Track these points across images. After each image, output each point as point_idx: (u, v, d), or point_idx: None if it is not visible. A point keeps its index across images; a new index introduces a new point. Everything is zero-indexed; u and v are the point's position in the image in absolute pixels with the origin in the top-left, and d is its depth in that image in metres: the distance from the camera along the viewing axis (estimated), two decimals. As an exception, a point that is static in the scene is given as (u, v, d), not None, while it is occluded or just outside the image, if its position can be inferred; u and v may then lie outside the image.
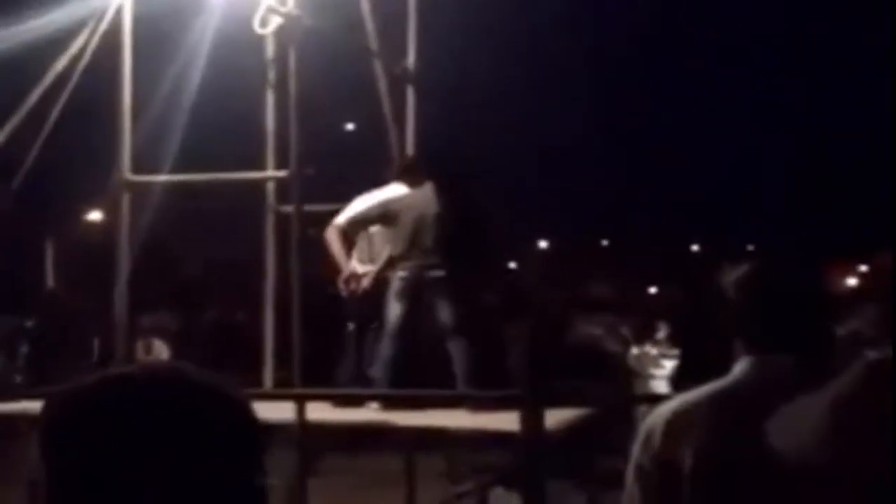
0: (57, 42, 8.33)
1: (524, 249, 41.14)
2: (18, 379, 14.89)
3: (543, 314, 17.73)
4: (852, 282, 42.14)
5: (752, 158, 44.07)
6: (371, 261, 8.60)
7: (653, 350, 14.94)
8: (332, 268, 8.62)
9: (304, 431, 7.28)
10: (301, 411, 7.22)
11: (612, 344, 15.89)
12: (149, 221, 8.86)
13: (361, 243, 8.71)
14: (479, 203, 8.70)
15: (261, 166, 9.23)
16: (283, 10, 8.13)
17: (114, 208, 8.94)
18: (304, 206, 8.20)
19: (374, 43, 9.55)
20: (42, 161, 8.67)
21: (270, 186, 9.31)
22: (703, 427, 2.50)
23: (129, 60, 8.58)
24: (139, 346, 12.40)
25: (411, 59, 9.81)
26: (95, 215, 25.87)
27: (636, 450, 2.61)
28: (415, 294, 8.25)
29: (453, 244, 8.25)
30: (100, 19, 8.37)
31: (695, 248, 50.71)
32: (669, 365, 14.86)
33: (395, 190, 8.66)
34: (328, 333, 8.90)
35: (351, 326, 8.67)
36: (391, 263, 8.40)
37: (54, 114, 8.40)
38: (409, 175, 8.69)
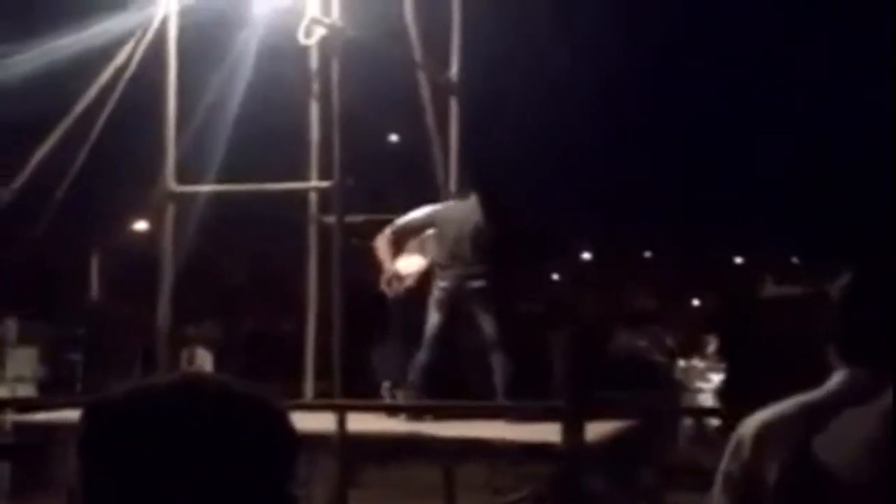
0: (103, 53, 8.39)
1: (567, 260, 41.05)
2: (79, 387, 14.98)
3: (586, 325, 17.68)
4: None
5: (797, 169, 43.77)
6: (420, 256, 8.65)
7: (700, 363, 14.88)
8: (379, 271, 8.66)
9: (345, 442, 7.28)
10: (342, 422, 7.22)
11: (657, 356, 15.82)
12: (193, 231, 8.90)
13: (421, 243, 8.74)
14: (519, 215, 8.72)
15: (304, 177, 9.25)
16: (326, 21, 8.16)
17: (158, 218, 8.99)
18: (346, 217, 8.22)
19: (417, 53, 9.56)
20: (88, 171, 8.74)
21: (313, 197, 9.32)
22: (790, 440, 2.48)
23: (174, 71, 8.63)
24: (183, 356, 12.46)
25: (455, 69, 9.81)
26: (141, 225, 26.03)
27: (725, 458, 2.59)
28: (454, 304, 8.25)
29: (494, 255, 8.26)
30: (145, 30, 8.43)
31: (738, 260, 50.43)
32: (716, 378, 14.79)
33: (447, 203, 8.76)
34: (370, 340, 8.91)
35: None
36: (432, 270, 8.43)
37: (100, 124, 8.46)
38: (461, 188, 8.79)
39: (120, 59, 8.37)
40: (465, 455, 8.98)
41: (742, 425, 2.58)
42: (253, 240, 22.49)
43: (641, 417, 8.85)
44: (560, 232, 35.80)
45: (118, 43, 8.37)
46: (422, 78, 9.67)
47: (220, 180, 8.96)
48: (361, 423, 7.58)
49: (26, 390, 12.58)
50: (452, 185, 9.55)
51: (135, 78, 8.43)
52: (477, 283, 8.23)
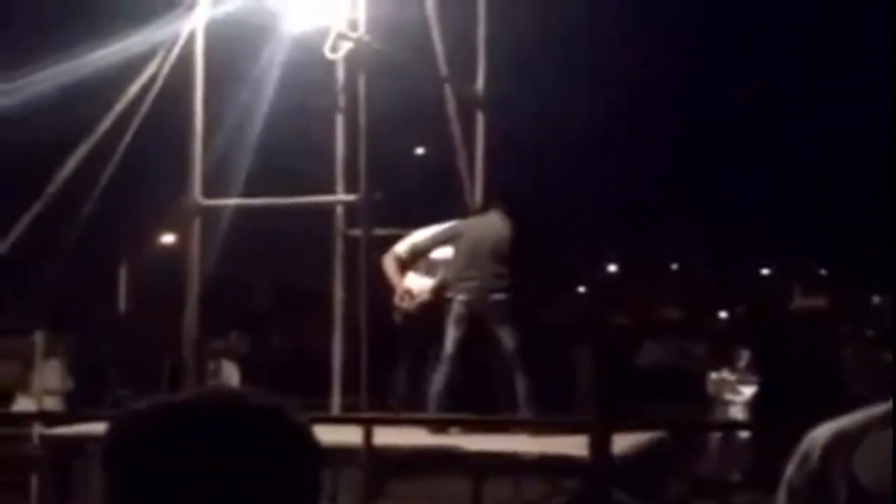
0: (131, 67, 8.44)
1: (593, 273, 40.99)
2: (108, 400, 15.04)
3: (613, 338, 17.66)
4: (928, 307, 41.49)
5: (825, 180, 43.60)
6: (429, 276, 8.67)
7: (731, 376, 14.81)
8: (391, 292, 8.69)
9: (371, 456, 7.28)
10: (368, 436, 7.22)
11: (686, 368, 15.79)
12: (219, 244, 8.93)
13: (426, 266, 8.76)
14: (542, 228, 8.73)
15: (330, 190, 9.27)
16: (353, 35, 8.18)
17: (185, 232, 9.03)
18: (372, 230, 8.24)
19: (443, 67, 9.57)
20: (116, 184, 8.78)
21: (339, 210, 9.34)
22: (860, 455, 2.46)
23: (201, 86, 8.67)
24: (209, 369, 12.48)
25: (481, 83, 9.83)
26: (168, 238, 26.14)
27: (791, 468, 2.57)
28: (473, 318, 8.26)
29: (514, 268, 8.27)
30: (172, 45, 8.48)
31: (765, 271, 50.24)
32: (748, 391, 14.71)
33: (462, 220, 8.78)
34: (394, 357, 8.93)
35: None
36: (445, 285, 8.44)
37: (127, 138, 8.51)
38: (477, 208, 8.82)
39: (147, 73, 8.42)
40: (492, 469, 8.96)
41: (810, 435, 2.56)
42: (279, 253, 22.54)
43: (669, 430, 8.82)
44: (586, 244, 35.76)
45: (146, 57, 8.42)
46: (448, 91, 9.69)
47: (246, 194, 8.99)
48: (388, 436, 7.59)
49: (54, 403, 12.63)
50: (478, 198, 9.56)
51: (162, 92, 8.47)
52: (497, 296, 8.24)
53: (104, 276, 24.17)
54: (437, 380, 8.32)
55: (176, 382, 8.65)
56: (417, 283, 8.70)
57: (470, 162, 9.68)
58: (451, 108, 9.63)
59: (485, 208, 8.78)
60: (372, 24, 8.28)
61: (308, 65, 8.71)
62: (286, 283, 22.34)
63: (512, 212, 8.42)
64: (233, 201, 8.92)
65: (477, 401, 8.29)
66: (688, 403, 14.35)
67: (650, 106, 37.29)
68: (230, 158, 8.78)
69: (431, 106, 10.10)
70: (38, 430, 9.39)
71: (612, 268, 46.76)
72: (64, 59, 8.39)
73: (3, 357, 14.28)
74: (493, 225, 8.44)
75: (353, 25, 8.20)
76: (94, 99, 8.76)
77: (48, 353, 12.26)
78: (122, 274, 25.84)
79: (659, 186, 41.07)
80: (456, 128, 9.68)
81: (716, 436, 14.48)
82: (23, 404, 12.77)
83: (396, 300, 8.58)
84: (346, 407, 9.03)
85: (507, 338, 8.21)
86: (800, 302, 41.99)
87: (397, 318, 8.64)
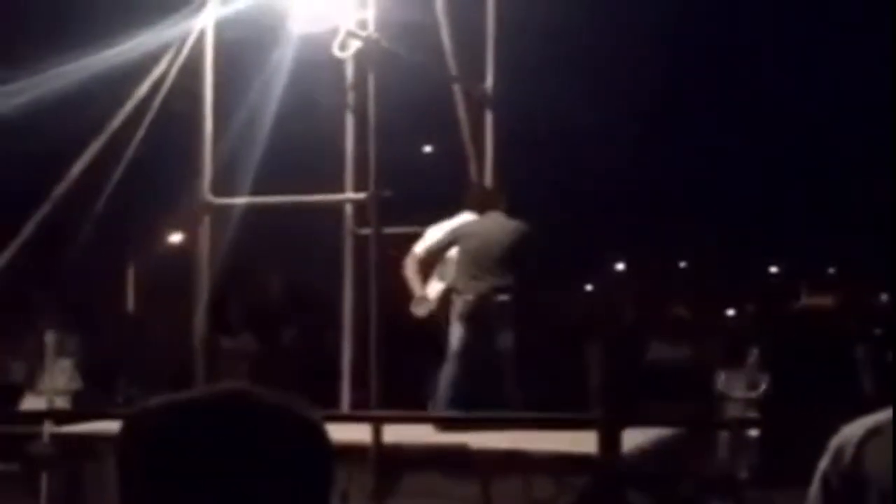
0: (141, 66, 8.45)
1: (601, 271, 40.98)
2: (118, 399, 15.06)
3: (622, 336, 17.65)
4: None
5: (832, 179, 43.54)
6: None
7: (740, 374, 14.81)
8: (406, 294, 8.71)
9: (381, 453, 7.30)
10: (377, 433, 7.23)
11: (694, 366, 15.78)
12: (229, 243, 8.94)
13: (440, 268, 8.79)
14: (547, 228, 8.77)
15: (340, 189, 9.28)
16: (362, 33, 8.19)
17: (194, 230, 9.04)
18: (382, 229, 8.25)
19: (452, 66, 9.58)
20: (124, 183, 8.79)
21: (349, 209, 9.35)
22: (891, 453, 2.46)
23: (211, 84, 8.69)
24: (219, 368, 12.48)
25: (490, 82, 9.83)
26: (177, 237, 26.16)
27: (825, 462, 2.57)
28: (478, 317, 8.28)
29: (519, 269, 8.28)
30: (182, 44, 8.49)
31: (773, 269, 50.20)
32: (757, 389, 14.71)
33: (464, 218, 8.76)
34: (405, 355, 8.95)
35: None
36: (453, 288, 8.47)
37: (137, 137, 8.52)
38: (478, 203, 8.81)
39: (157, 71, 8.43)
40: (502, 466, 8.96)
41: (845, 430, 2.56)
42: (289, 252, 22.54)
43: (680, 428, 8.83)
44: (594, 242, 35.75)
45: (156, 56, 8.43)
46: (457, 90, 9.70)
47: (256, 192, 9.01)
48: (398, 434, 7.60)
49: (64, 402, 12.66)
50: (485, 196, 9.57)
51: (172, 91, 8.48)
52: (501, 297, 8.26)
53: (113, 274, 24.21)
54: (444, 378, 8.35)
55: (185, 381, 8.64)
56: (434, 289, 8.73)
57: (479, 161, 9.69)
58: (461, 107, 9.64)
59: (490, 208, 8.79)
60: (381, 22, 8.28)
61: (317, 63, 8.72)
62: (296, 281, 22.34)
63: (517, 212, 8.46)
64: (242, 199, 8.93)
65: (485, 398, 8.30)
66: (696, 401, 14.36)
67: (659, 103, 37.26)
68: (240, 157, 8.79)
69: (440, 104, 10.12)
70: (48, 428, 9.42)
71: (620, 266, 46.74)
72: (73, 58, 8.40)
73: (14, 356, 14.33)
74: (500, 225, 8.47)
75: (363, 25, 8.21)
76: (104, 98, 8.77)
77: (58, 353, 12.28)
78: (131, 273, 25.89)
79: (667, 184, 41.05)
80: (465, 126, 9.69)
81: (724, 434, 14.49)
82: (32, 403, 12.80)
83: (412, 306, 8.61)
84: (356, 404, 9.04)
85: (505, 339, 8.24)
86: (807, 300, 41.95)
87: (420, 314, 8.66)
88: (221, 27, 8.65)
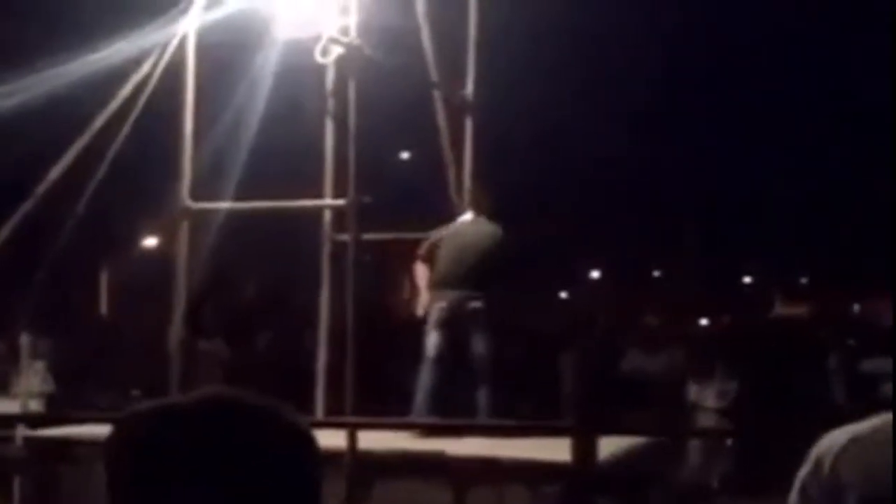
0: (122, 71, 8.44)
1: (576, 279, 41.05)
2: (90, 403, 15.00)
3: (596, 344, 17.67)
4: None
5: (806, 189, 43.73)
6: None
7: (712, 383, 14.84)
8: (409, 294, 8.76)
9: (356, 459, 7.30)
10: (352, 440, 7.24)
11: (666, 375, 15.82)
12: (207, 247, 8.94)
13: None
14: (523, 235, 8.79)
15: (320, 195, 9.29)
16: (344, 40, 8.20)
17: (173, 235, 9.03)
18: (360, 235, 8.25)
19: (433, 72, 9.59)
20: (100, 187, 8.77)
21: (328, 215, 9.35)
22: (872, 464, 2.48)
23: (193, 89, 8.69)
24: (196, 372, 12.45)
25: (470, 88, 9.85)
26: (151, 241, 26.07)
27: (804, 470, 2.59)
28: (451, 325, 8.30)
29: (495, 277, 8.30)
30: (164, 49, 8.48)
31: (747, 279, 50.35)
32: (726, 399, 14.75)
33: (461, 218, 8.80)
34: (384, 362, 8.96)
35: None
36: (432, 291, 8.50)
37: (117, 141, 8.51)
38: (473, 205, 8.85)
39: (138, 76, 8.42)
40: (476, 473, 8.98)
41: (824, 441, 2.58)
42: (268, 257, 22.51)
43: (652, 437, 8.87)
44: (570, 249, 35.82)
45: (137, 61, 8.43)
46: (437, 97, 9.71)
47: (237, 197, 9.00)
48: (373, 440, 7.61)
49: (37, 405, 12.61)
50: (465, 203, 9.59)
51: (153, 95, 8.48)
52: (475, 304, 8.27)
53: (88, 277, 24.12)
54: (420, 385, 8.36)
55: (161, 386, 8.63)
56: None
57: (458, 167, 9.70)
58: (440, 113, 9.65)
59: (475, 210, 8.82)
60: (363, 28, 8.29)
61: (299, 69, 8.72)
62: (274, 286, 22.31)
63: (497, 218, 8.47)
64: (221, 205, 8.92)
65: (461, 405, 8.33)
66: (669, 411, 14.39)
67: (638, 113, 37.34)
68: (220, 161, 8.79)
69: (419, 110, 10.13)
70: (21, 432, 9.38)
71: (595, 274, 46.80)
72: (55, 62, 8.39)
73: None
74: (480, 231, 8.48)
75: (344, 31, 8.22)
76: (86, 102, 8.75)
77: (32, 355, 12.23)
78: (105, 277, 25.80)
79: (643, 193, 41.14)
80: (444, 133, 9.70)
81: (696, 443, 14.53)
82: (4, 406, 12.74)
83: (416, 307, 8.66)
84: (331, 410, 9.03)
85: (479, 345, 8.26)
86: (781, 309, 42.10)
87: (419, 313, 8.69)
88: (205, 32, 8.65)
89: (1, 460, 10.03)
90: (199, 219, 8.83)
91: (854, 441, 2.51)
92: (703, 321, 34.10)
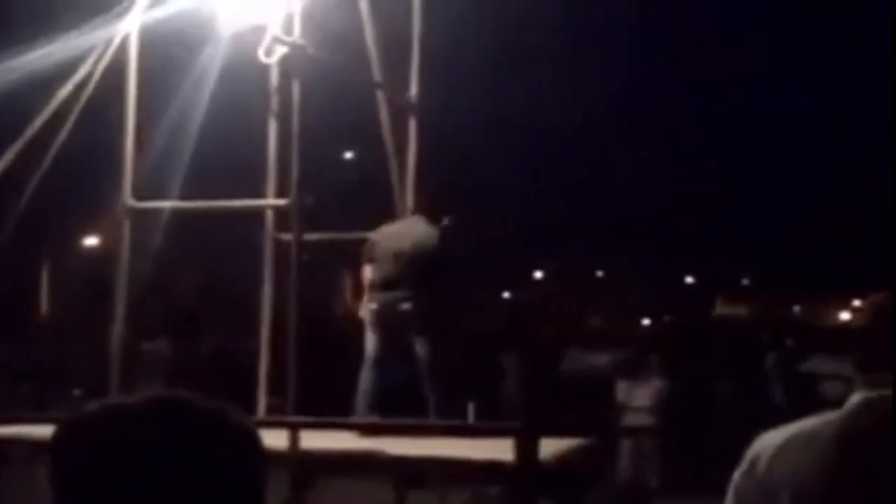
0: (63, 70, 8.37)
1: (519, 279, 41.14)
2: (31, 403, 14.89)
3: (539, 345, 17.75)
4: (845, 316, 42.17)
5: (748, 191, 44.12)
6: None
7: (643, 383, 14.90)
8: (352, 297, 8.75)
9: (297, 459, 7.28)
10: (294, 439, 7.23)
11: (597, 375, 15.91)
12: (150, 248, 8.89)
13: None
14: (461, 236, 8.78)
15: (263, 194, 9.26)
16: (288, 39, 8.18)
17: (114, 234, 8.98)
18: (303, 235, 8.24)
19: (377, 73, 9.59)
20: (42, 186, 8.71)
21: (270, 214, 9.33)
22: (805, 462, 2.51)
23: (134, 88, 8.63)
24: (137, 373, 12.39)
25: (414, 89, 9.85)
26: (92, 241, 25.86)
27: (738, 472, 2.62)
28: (386, 326, 8.30)
29: (426, 277, 8.29)
30: (106, 48, 8.43)
31: (689, 280, 50.73)
32: (657, 397, 14.81)
33: (400, 221, 8.81)
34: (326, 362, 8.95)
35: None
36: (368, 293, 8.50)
37: (56, 140, 8.44)
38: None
39: (79, 75, 8.36)
40: (418, 473, 8.99)
41: (759, 441, 2.60)
42: (210, 257, 22.41)
43: (593, 436, 8.91)
44: (513, 250, 35.90)
45: (79, 60, 8.36)
46: (381, 98, 9.71)
47: (180, 196, 8.96)
48: (314, 440, 7.60)
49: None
50: (409, 203, 9.59)
51: (95, 94, 8.42)
52: (405, 306, 8.27)
53: (27, 277, 23.87)
54: (361, 385, 8.37)
55: (100, 389, 8.57)
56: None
57: (401, 167, 9.71)
58: (384, 113, 9.65)
59: (414, 211, 8.84)
60: (307, 29, 8.27)
61: (243, 68, 8.70)
62: (217, 286, 22.22)
63: (438, 219, 8.47)
64: (163, 204, 8.88)
65: (405, 405, 8.33)
66: (598, 410, 14.46)
67: (583, 114, 37.50)
68: (163, 161, 8.75)
69: (363, 110, 10.11)
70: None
71: (538, 274, 46.95)
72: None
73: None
74: (415, 232, 8.47)
75: (288, 30, 8.20)
76: (27, 101, 8.68)
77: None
78: (45, 277, 25.56)
79: (586, 194, 41.32)
80: (388, 133, 9.70)
81: (627, 443, 14.61)
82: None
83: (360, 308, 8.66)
84: (271, 409, 9.01)
85: (419, 348, 8.27)
86: (722, 309, 42.46)
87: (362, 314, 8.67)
88: (148, 30, 8.60)
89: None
90: (142, 218, 8.78)
91: (788, 441, 2.54)
92: (646, 321, 34.35)
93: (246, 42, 8.34)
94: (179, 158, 8.72)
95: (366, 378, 8.35)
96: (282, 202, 8.58)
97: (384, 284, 8.32)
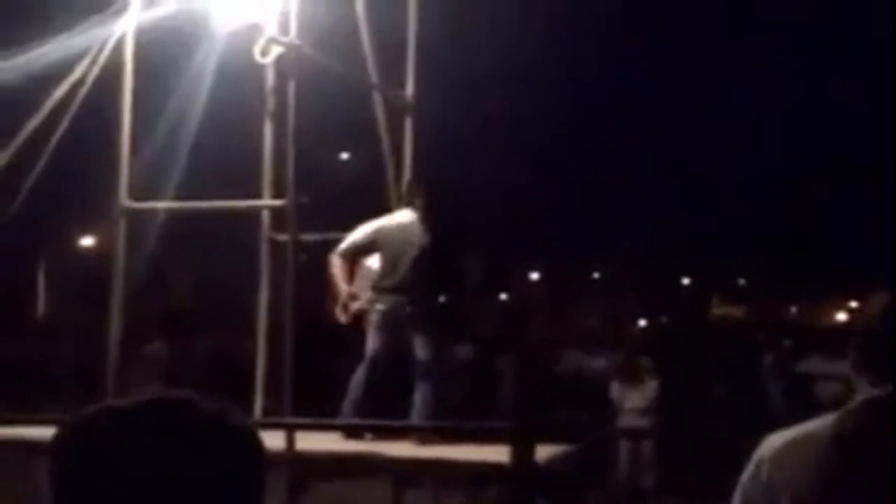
0: (59, 70, 8.36)
1: (515, 281, 41.15)
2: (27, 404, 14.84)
3: (535, 347, 17.76)
4: (842, 316, 42.24)
5: (745, 191, 44.15)
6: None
7: (637, 384, 14.90)
8: (332, 298, 8.69)
9: (294, 461, 7.28)
10: (290, 441, 7.23)
11: (592, 376, 15.91)
12: (146, 248, 8.88)
13: (360, 273, 8.79)
14: (462, 237, 8.77)
15: (259, 195, 9.25)
16: (284, 39, 8.18)
17: (110, 234, 8.96)
18: (299, 236, 8.23)
19: (373, 73, 9.59)
20: (38, 186, 8.70)
21: (266, 215, 9.31)
22: (802, 465, 2.51)
23: (130, 88, 8.62)
24: (133, 374, 12.37)
25: (410, 89, 9.85)
26: (88, 241, 25.86)
27: (746, 474, 2.62)
28: (392, 328, 8.28)
29: (434, 278, 8.28)
30: (102, 47, 8.42)
31: (685, 281, 50.75)
32: (650, 397, 14.82)
33: (396, 216, 8.74)
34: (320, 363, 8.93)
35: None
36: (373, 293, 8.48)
37: (53, 140, 8.43)
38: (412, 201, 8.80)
39: (75, 75, 8.35)
40: (414, 475, 8.99)
41: (764, 443, 2.61)
42: (207, 257, 22.40)
43: (589, 439, 8.92)
44: (509, 251, 35.90)
45: (75, 60, 8.35)
46: (377, 98, 9.71)
47: (176, 196, 8.94)
48: (311, 442, 7.60)
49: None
50: (404, 205, 9.58)
51: (91, 95, 8.41)
52: (412, 308, 8.26)
53: (24, 278, 23.86)
54: (355, 382, 8.35)
55: (99, 387, 8.55)
56: (357, 287, 8.71)
57: (397, 168, 9.70)
58: (380, 114, 9.65)
59: (409, 205, 8.80)
60: (303, 29, 8.27)
61: (238, 69, 8.69)
62: (213, 287, 22.21)
63: (436, 220, 8.45)
64: (159, 204, 8.87)
65: (398, 407, 8.32)
66: (593, 412, 14.47)
67: (580, 114, 37.54)
68: (159, 162, 8.73)
69: (359, 111, 10.11)
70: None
71: (535, 276, 46.97)
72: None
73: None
74: (418, 233, 8.46)
75: (284, 30, 8.19)
76: (22, 102, 8.66)
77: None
78: (41, 277, 25.55)
79: (582, 195, 41.34)
80: (384, 134, 9.69)
81: (624, 444, 14.61)
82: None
83: (338, 310, 8.59)
84: (268, 411, 9.00)
85: (421, 349, 8.25)
86: (718, 310, 42.50)
87: (343, 319, 8.63)
88: (144, 30, 8.59)
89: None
90: (138, 219, 8.77)
91: (789, 443, 2.55)
92: (642, 322, 34.35)
93: (241, 42, 8.33)
94: (175, 159, 8.71)
95: (362, 376, 8.32)
96: (278, 203, 8.57)
97: (397, 288, 8.29)
